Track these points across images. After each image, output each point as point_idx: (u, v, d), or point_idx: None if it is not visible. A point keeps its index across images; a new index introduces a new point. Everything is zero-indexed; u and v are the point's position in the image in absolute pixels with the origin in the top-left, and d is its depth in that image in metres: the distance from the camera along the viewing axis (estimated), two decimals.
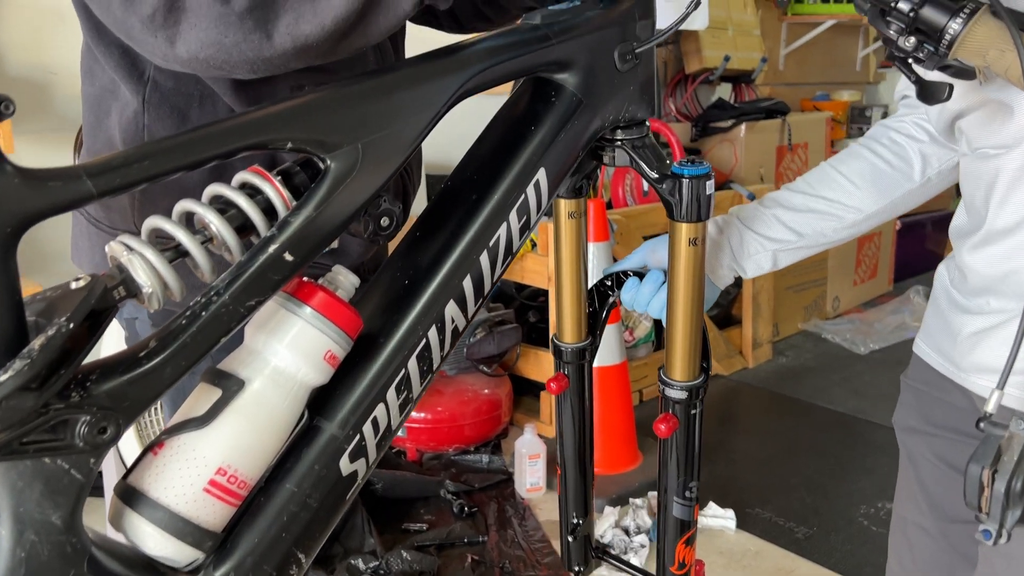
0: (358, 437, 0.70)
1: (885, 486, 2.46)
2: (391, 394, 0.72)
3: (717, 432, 2.82)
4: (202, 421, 0.61)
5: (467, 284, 0.77)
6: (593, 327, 1.06)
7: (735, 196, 3.29)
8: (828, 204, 1.04)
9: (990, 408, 0.60)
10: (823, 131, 4.02)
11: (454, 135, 1.27)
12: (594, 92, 0.84)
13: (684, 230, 0.88)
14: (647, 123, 0.92)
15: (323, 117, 0.64)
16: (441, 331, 0.75)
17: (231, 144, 0.59)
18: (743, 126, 3.52)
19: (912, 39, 0.67)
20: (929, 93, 0.69)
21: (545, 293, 2.87)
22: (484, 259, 0.77)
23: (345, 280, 0.70)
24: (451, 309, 0.76)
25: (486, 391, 2.64)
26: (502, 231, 0.79)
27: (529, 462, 2.36)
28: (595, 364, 1.80)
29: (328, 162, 0.64)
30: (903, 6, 0.66)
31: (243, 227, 0.63)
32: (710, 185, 0.88)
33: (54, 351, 0.48)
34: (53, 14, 2.20)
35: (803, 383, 3.26)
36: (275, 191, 0.64)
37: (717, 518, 2.23)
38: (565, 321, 1.05)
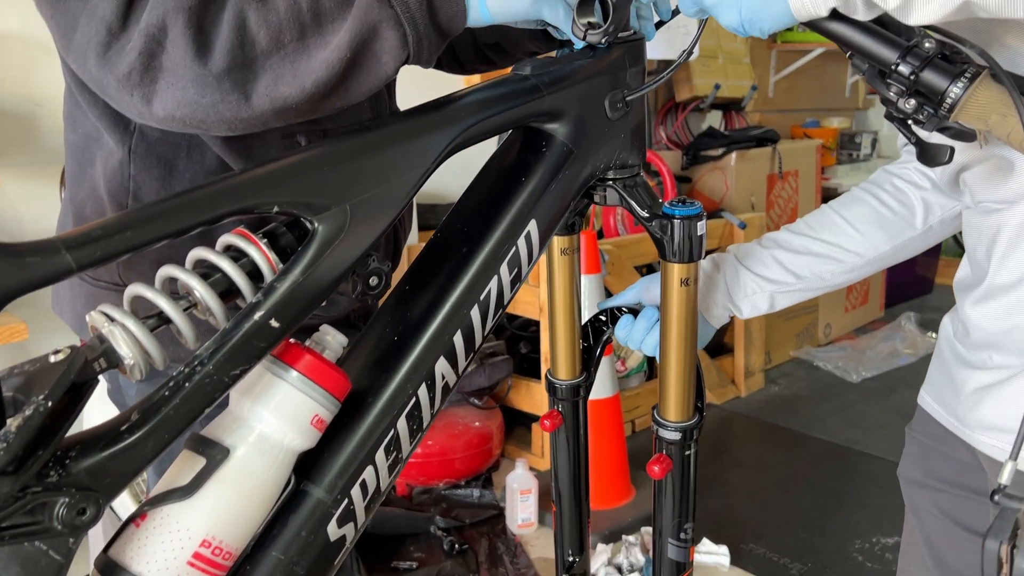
0: (346, 501, 0.69)
1: (879, 520, 2.45)
2: (380, 455, 0.71)
3: (711, 464, 2.80)
4: (186, 491, 0.59)
5: (458, 339, 0.76)
6: (588, 363, 1.07)
7: (726, 225, 3.30)
8: (828, 247, 1.04)
9: (1004, 479, 0.59)
10: (813, 159, 4.04)
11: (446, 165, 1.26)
12: (585, 142, 0.84)
13: (675, 270, 0.89)
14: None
15: (310, 179, 0.63)
16: (431, 389, 0.74)
17: (216, 211, 0.58)
18: (734, 154, 3.54)
19: (912, 101, 0.66)
20: (929, 155, 0.69)
21: (536, 323, 2.86)
22: (475, 313, 0.77)
23: (333, 340, 0.69)
24: (441, 366, 0.75)
25: (477, 424, 2.63)
26: (493, 284, 0.78)
27: (520, 497, 2.33)
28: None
29: (316, 224, 0.63)
30: (903, 69, 0.66)
31: (228, 291, 0.62)
32: (701, 226, 0.88)
33: (31, 432, 0.47)
34: (39, 46, 2.19)
35: (796, 413, 3.25)
36: (261, 254, 0.63)
37: (711, 555, 2.21)
38: (559, 357, 1.05)
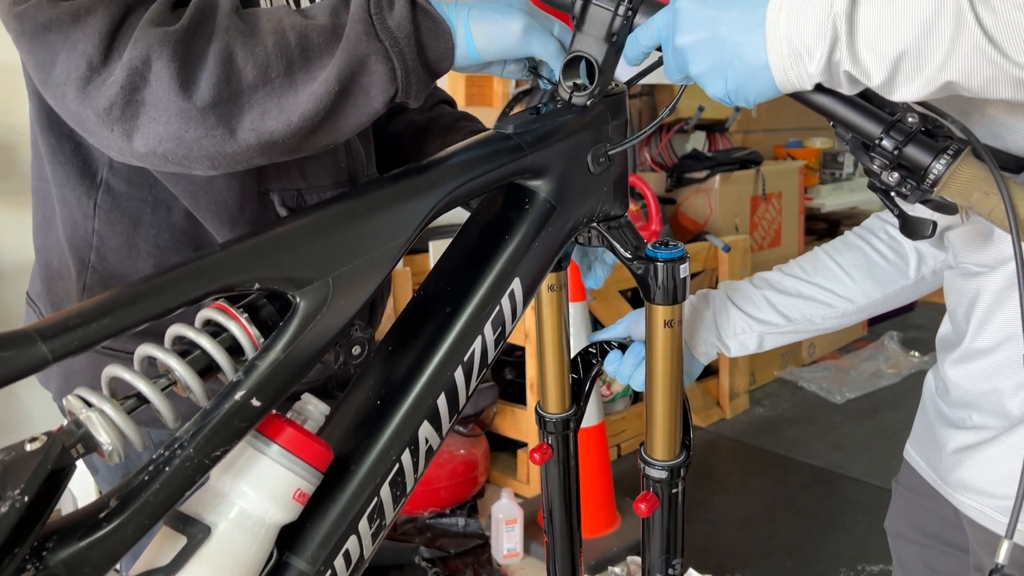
0: (329, 572, 0.68)
1: (864, 546, 2.46)
2: (363, 524, 0.70)
3: (697, 490, 2.80)
4: (167, 572, 0.59)
5: (441, 402, 0.75)
6: (577, 395, 1.08)
7: (710, 247, 3.31)
8: (820, 291, 1.05)
9: (1001, 559, 0.59)
10: (796, 180, 4.07)
11: None
12: (568, 197, 0.84)
13: (659, 312, 0.89)
14: None
15: (291, 253, 0.63)
16: (415, 453, 0.74)
17: (195, 291, 0.58)
18: (717, 177, 3.56)
19: (895, 174, 0.67)
20: (912, 229, 0.69)
21: (522, 349, 2.85)
22: (459, 375, 0.76)
23: (315, 410, 0.68)
24: (425, 430, 0.74)
25: (462, 452, 2.62)
26: (477, 344, 0.78)
27: (506, 527, 2.32)
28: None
29: (297, 299, 0.63)
30: (887, 144, 0.66)
31: (208, 368, 0.62)
32: (684, 268, 0.89)
33: (7, 530, 0.46)
34: (19, 73, 2.17)
35: (781, 435, 3.26)
36: (241, 330, 0.63)
37: None
38: (549, 391, 1.06)
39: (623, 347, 1.05)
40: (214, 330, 0.63)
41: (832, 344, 4.24)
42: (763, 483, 2.92)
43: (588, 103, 0.83)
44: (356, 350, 0.69)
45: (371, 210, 0.68)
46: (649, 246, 0.90)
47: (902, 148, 0.66)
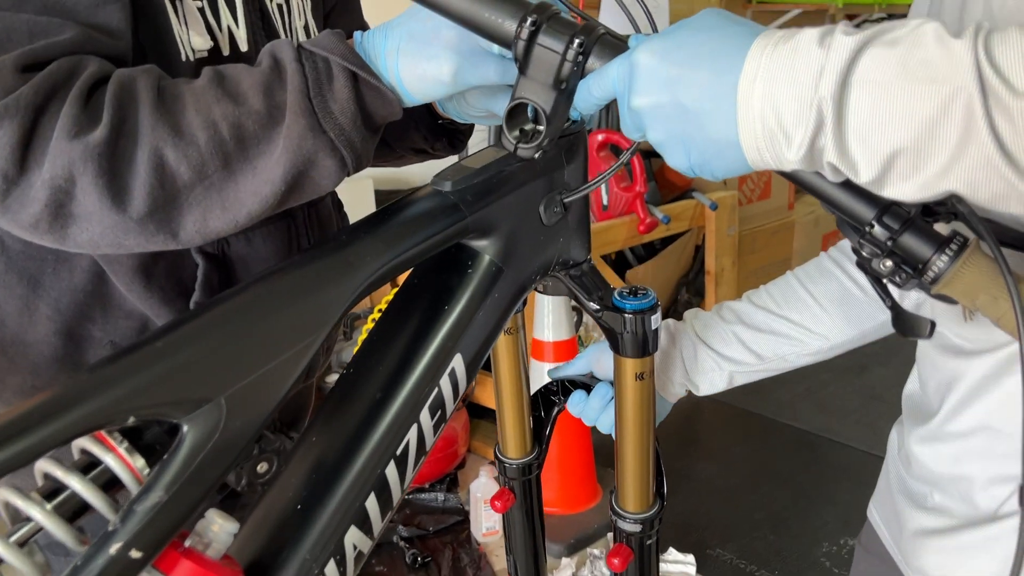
0: None
1: (848, 517, 2.43)
2: None
3: (680, 458, 2.76)
4: None
5: (371, 504, 0.67)
6: (539, 434, 1.01)
7: (697, 205, 3.21)
8: (792, 327, 0.96)
9: None
10: None
11: None
12: (517, 256, 0.75)
13: (629, 365, 0.83)
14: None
15: (172, 376, 0.54)
16: (341, 563, 0.66)
17: (58, 436, 0.49)
18: None
19: (889, 263, 0.57)
20: (908, 326, 0.60)
21: None
22: (391, 471, 0.68)
23: (220, 532, 0.60)
24: (353, 536, 0.67)
25: None
26: (412, 434, 0.70)
27: (484, 506, 2.28)
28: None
29: (183, 428, 0.54)
30: (879, 233, 0.57)
31: (82, 509, 0.53)
32: (655, 319, 0.82)
33: None
34: None
35: (766, 396, 3.21)
36: (120, 462, 0.54)
37: (677, 563, 2.17)
38: (508, 436, 1.00)
39: (586, 386, 0.97)
40: (90, 461, 0.54)
41: None
42: (747, 449, 2.88)
43: (537, 156, 0.73)
44: (263, 467, 0.60)
45: (273, 309, 0.59)
46: (616, 294, 0.82)
47: (897, 238, 0.57)
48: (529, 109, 0.70)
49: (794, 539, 2.36)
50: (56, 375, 0.64)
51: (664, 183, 3.25)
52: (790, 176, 0.59)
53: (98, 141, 0.61)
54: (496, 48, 0.69)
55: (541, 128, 0.69)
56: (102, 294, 0.79)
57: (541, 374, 2.06)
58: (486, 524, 2.30)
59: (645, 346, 0.82)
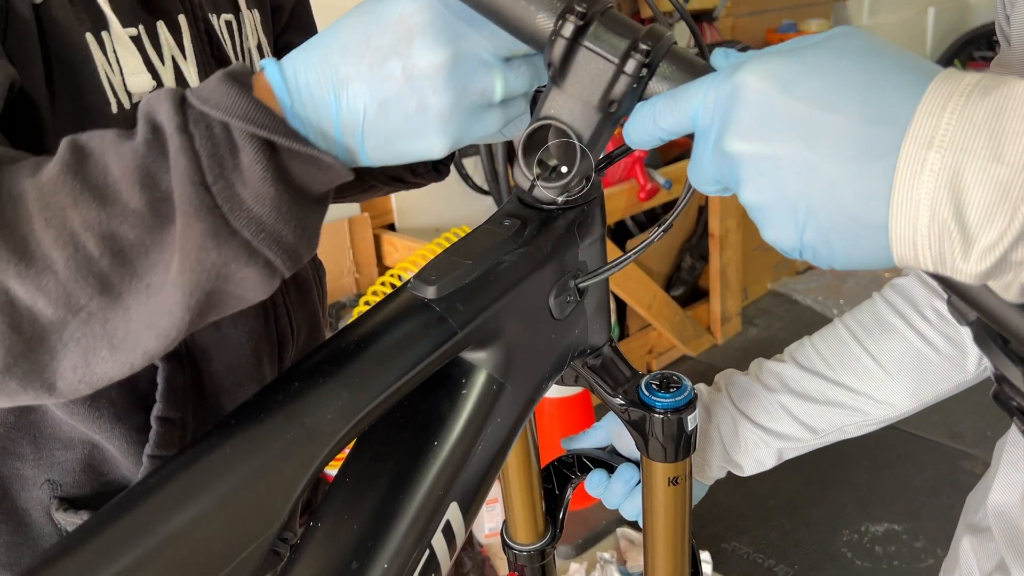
0: None
1: (867, 502, 2.32)
2: None
3: None
4: None
5: None
6: (553, 512, 0.88)
7: None
8: (852, 396, 0.82)
9: None
10: None
11: None
12: (522, 366, 0.61)
13: (660, 470, 0.71)
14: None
15: None
16: None
17: None
18: None
19: None
20: None
21: None
22: None
23: None
24: None
25: None
26: None
27: (487, 507, 2.16)
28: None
29: None
30: None
31: None
32: (693, 418, 0.69)
33: None
34: None
35: None
36: None
37: None
38: (517, 519, 0.86)
39: (607, 465, 0.84)
40: None
41: None
42: None
43: (561, 200, 0.59)
44: None
45: (187, 528, 0.43)
46: (643, 386, 0.69)
47: None
48: (554, 132, 0.54)
49: (811, 528, 2.26)
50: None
51: (667, 144, 3.08)
52: (945, 282, 0.43)
53: None
54: (499, 90, 0.52)
55: (570, 164, 0.53)
56: (30, 422, 0.64)
57: (548, 443, 1.91)
58: (488, 525, 2.19)
59: (679, 450, 0.69)
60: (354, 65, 0.50)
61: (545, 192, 0.55)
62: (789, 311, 3.52)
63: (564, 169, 0.54)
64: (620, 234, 3.03)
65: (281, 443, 0.47)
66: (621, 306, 2.92)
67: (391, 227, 2.71)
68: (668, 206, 3.07)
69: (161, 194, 0.47)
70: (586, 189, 0.59)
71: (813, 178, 0.41)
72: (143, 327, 0.48)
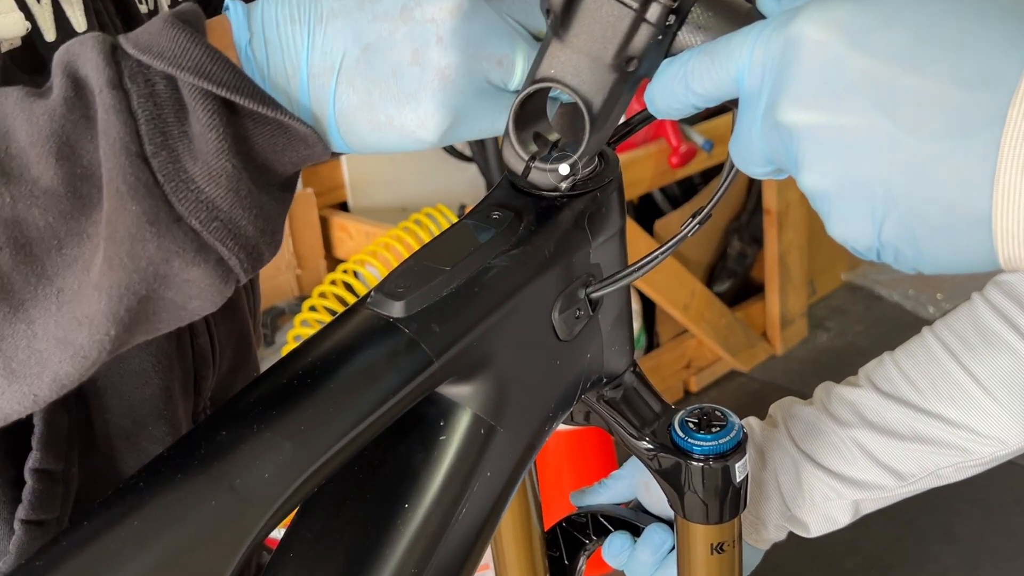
0: None
1: (976, 560, 2.37)
2: None
3: None
4: None
5: None
6: None
7: None
8: (949, 430, 0.85)
9: None
10: None
11: None
12: (518, 403, 0.63)
13: (700, 534, 0.74)
14: None
15: None
16: None
17: None
18: None
19: None
20: None
21: None
22: None
23: None
24: None
25: None
26: None
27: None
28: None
29: None
30: None
31: None
32: (742, 466, 0.72)
33: None
34: None
35: None
36: None
37: None
38: None
39: (631, 526, 0.87)
40: None
41: None
42: None
43: (564, 186, 0.60)
44: None
45: None
46: (677, 425, 0.72)
47: None
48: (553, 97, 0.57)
49: None
50: None
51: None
52: None
53: None
54: (519, 69, 0.55)
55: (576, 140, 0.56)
56: None
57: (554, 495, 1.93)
58: None
59: (724, 508, 0.71)
60: (338, 10, 0.52)
61: (544, 177, 0.57)
62: (871, 310, 3.56)
63: (568, 147, 0.56)
64: (646, 212, 3.06)
65: (204, 514, 0.49)
66: (649, 307, 2.94)
67: (343, 206, 2.74)
68: (709, 174, 3.10)
69: (83, 169, 0.48)
70: (599, 171, 0.61)
71: (893, 157, 0.43)
72: (53, 346, 0.49)
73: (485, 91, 0.54)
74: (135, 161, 0.47)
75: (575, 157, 0.56)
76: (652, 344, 3.02)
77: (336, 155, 0.74)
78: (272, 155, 0.52)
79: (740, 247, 3.27)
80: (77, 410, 0.70)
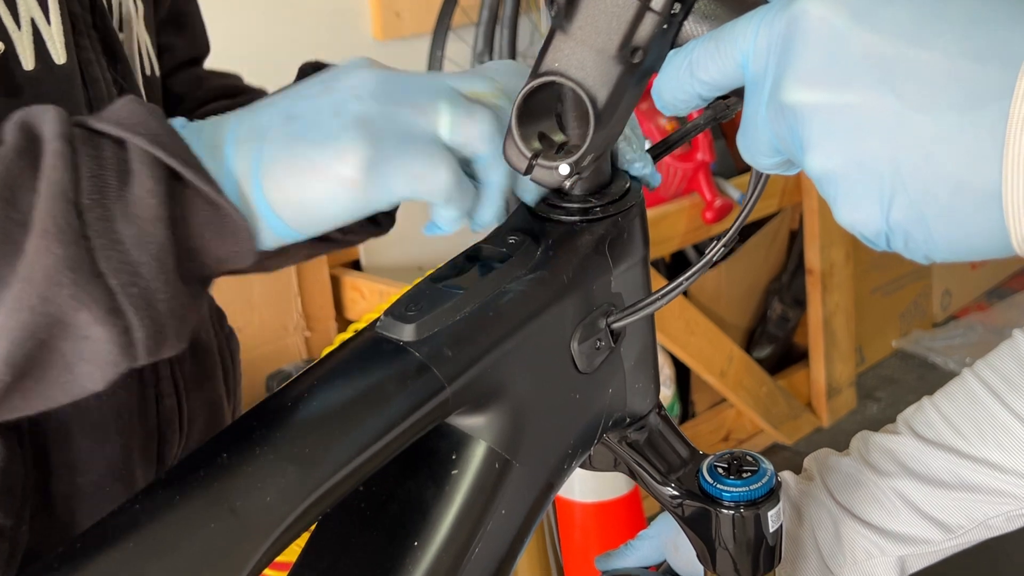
0: None
1: None
2: None
3: None
4: None
5: None
6: None
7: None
8: (996, 475, 0.85)
9: None
10: None
11: None
12: (535, 437, 0.65)
13: None
14: None
15: None
16: None
17: None
18: None
19: None
20: None
21: None
22: None
23: None
24: None
25: None
26: None
27: None
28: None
29: None
30: None
31: None
32: (776, 514, 0.72)
33: None
34: None
35: None
36: None
37: None
38: None
39: None
40: None
41: (977, 287, 4.08)
42: None
43: (568, 185, 0.63)
44: None
45: None
46: (705, 469, 0.73)
47: None
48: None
49: None
50: None
51: (737, 152, 3.15)
52: None
53: None
54: (445, 119, 0.59)
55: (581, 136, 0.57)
56: None
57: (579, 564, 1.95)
58: None
59: (759, 560, 0.71)
60: (268, 102, 0.60)
61: (547, 175, 0.59)
62: (924, 379, 3.54)
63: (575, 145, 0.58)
64: (679, 270, 3.05)
65: (202, 537, 0.50)
66: (683, 374, 2.95)
67: (355, 265, 2.76)
68: (748, 229, 3.12)
69: (20, 215, 0.51)
70: (620, 195, 0.63)
71: (900, 134, 0.44)
72: None
73: (409, 136, 0.57)
74: (69, 208, 0.51)
75: (579, 154, 0.57)
76: (687, 414, 3.01)
77: (262, 267, 0.79)
78: (201, 242, 0.56)
79: (781, 310, 3.28)
80: (34, 463, 0.72)
